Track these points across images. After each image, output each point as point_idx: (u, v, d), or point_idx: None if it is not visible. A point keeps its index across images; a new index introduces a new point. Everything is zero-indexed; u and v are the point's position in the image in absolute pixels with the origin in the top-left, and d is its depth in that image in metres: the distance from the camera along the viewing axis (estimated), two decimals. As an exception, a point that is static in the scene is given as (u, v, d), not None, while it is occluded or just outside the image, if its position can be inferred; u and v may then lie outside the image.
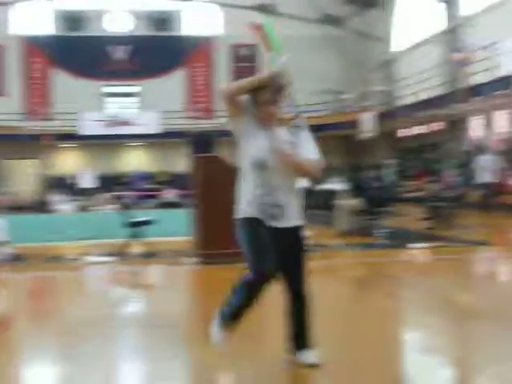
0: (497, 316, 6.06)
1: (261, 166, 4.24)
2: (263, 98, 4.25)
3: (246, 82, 4.30)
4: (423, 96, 25.57)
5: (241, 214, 4.35)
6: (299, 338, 4.51)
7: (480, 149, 21.09)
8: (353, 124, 28.80)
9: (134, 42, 34.41)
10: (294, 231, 4.38)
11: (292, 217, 4.35)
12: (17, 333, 6.22)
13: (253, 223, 4.28)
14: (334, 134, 31.59)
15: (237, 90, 4.26)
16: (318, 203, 18.72)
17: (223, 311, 4.47)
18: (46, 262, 10.70)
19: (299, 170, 4.26)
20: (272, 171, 4.23)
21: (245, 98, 4.31)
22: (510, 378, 4.24)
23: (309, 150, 4.29)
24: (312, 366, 4.43)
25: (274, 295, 4.68)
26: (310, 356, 4.48)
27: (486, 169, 17.03)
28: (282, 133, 4.32)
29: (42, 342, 5.72)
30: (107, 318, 6.48)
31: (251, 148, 4.28)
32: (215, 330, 4.50)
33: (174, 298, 7.79)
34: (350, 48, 32.43)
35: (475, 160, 18.46)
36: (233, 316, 4.41)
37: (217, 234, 9.37)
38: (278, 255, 4.27)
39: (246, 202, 4.33)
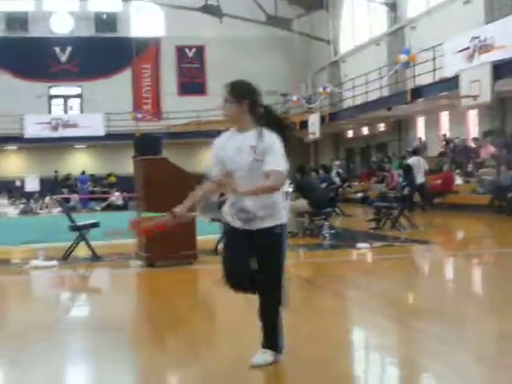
0: (438, 314, 6.17)
1: (229, 175, 4.36)
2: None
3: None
4: (369, 97, 25.89)
5: (223, 219, 4.55)
6: (263, 336, 4.54)
7: (417, 150, 21.46)
8: (299, 126, 28.98)
9: (77, 44, 34.01)
10: (266, 233, 4.37)
11: (263, 219, 4.36)
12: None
13: (228, 231, 4.48)
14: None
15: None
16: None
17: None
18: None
19: (266, 192, 4.30)
20: (240, 179, 4.29)
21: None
22: (451, 376, 4.32)
23: (270, 160, 4.25)
24: (255, 366, 4.44)
25: (216, 300, 4.67)
26: (258, 357, 4.50)
27: (417, 170, 17.33)
28: (249, 137, 4.36)
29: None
30: (54, 322, 6.38)
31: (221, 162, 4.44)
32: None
33: (119, 301, 7.71)
34: (296, 50, 32.63)
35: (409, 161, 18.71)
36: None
37: (161, 237, 9.30)
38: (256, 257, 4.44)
39: (226, 208, 4.49)
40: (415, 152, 19.80)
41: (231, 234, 4.48)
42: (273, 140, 4.30)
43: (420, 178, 16.93)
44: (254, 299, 4.56)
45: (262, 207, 4.34)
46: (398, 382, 4.45)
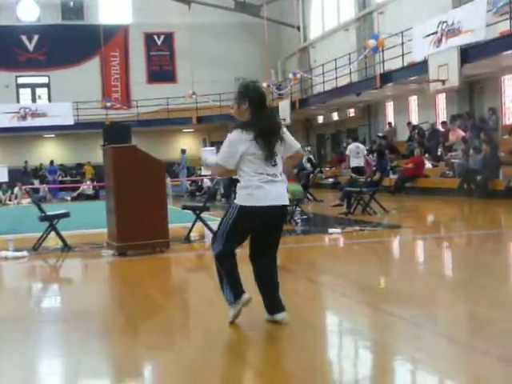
0: (411, 297, 6.22)
1: None
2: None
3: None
4: (339, 83, 25.94)
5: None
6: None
7: (357, 137, 21.52)
8: (270, 112, 28.92)
9: (44, 32, 33.58)
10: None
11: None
12: None
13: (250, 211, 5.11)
14: (252, 122, 31.70)
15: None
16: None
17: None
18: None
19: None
20: None
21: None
22: (424, 359, 4.35)
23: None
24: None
25: (189, 288, 4.65)
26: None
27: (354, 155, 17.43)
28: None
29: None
30: (25, 314, 6.34)
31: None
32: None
33: (91, 291, 7.66)
34: (265, 36, 32.56)
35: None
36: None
37: (132, 226, 9.27)
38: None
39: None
40: (355, 138, 19.74)
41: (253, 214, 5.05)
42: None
43: (358, 163, 17.10)
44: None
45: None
46: (371, 365, 4.48)
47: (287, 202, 5.17)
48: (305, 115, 30.85)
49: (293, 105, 28.13)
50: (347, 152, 17.48)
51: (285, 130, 5.14)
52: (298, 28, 32.81)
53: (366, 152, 19.47)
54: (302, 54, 32.92)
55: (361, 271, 7.94)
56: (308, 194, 18.48)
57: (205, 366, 4.37)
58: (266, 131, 4.97)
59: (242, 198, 5.08)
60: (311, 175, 22.62)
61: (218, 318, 5.34)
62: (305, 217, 13.52)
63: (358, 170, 16.53)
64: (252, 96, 5.10)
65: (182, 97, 31.03)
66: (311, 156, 25.41)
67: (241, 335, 5.11)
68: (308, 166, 22.66)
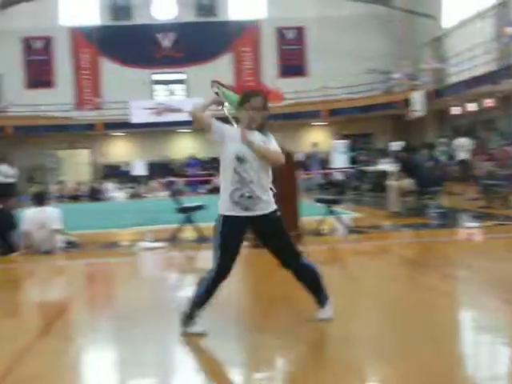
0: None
1: (241, 160, 4.95)
2: (254, 105, 5.02)
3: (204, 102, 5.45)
4: (475, 73, 25.05)
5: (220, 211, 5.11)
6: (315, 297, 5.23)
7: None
8: (402, 103, 28.42)
9: (179, 29, 34.49)
10: (269, 217, 5.03)
11: (264, 205, 5.00)
12: (74, 318, 6.33)
13: (228, 221, 5.07)
14: (383, 114, 31.26)
15: (201, 109, 5.28)
16: (370, 185, 18.59)
17: None
18: (101, 248, 10.87)
19: (270, 158, 4.97)
20: (249, 165, 4.94)
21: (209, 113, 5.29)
22: None
23: (275, 146, 5.02)
24: (323, 320, 5.13)
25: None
26: (320, 313, 5.19)
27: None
28: (256, 135, 5.03)
29: (98, 326, 5.82)
30: (161, 303, 6.54)
31: (232, 147, 5.02)
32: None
33: (229, 281, 7.78)
34: (397, 26, 31.97)
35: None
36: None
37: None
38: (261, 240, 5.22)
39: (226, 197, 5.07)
40: (463, 134, 18.89)
41: (232, 223, 5.02)
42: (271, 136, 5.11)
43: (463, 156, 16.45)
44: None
45: (263, 195, 5.01)
46: (508, 363, 4.31)
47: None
48: (439, 106, 30.00)
49: (427, 95, 27.44)
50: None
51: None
52: (432, 16, 31.91)
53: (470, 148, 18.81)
54: (435, 43, 32.03)
55: (501, 267, 7.63)
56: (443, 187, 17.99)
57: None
58: None
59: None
60: (446, 167, 21.96)
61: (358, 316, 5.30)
62: (440, 210, 13.17)
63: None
64: (250, 100, 5.17)
65: (313, 90, 31.02)
66: (445, 148, 24.72)
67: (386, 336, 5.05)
68: (443, 158, 22.05)
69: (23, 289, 8.45)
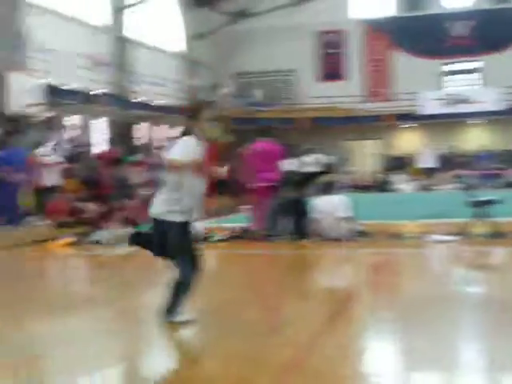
0: None
1: None
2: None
3: None
4: None
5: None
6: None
7: None
8: None
9: (475, 17, 33.22)
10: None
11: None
12: (360, 305, 6.44)
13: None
14: None
15: None
16: None
17: None
18: (388, 238, 10.87)
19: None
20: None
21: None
22: None
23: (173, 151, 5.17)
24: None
25: None
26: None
27: None
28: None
29: (384, 314, 5.84)
30: (443, 296, 6.40)
31: None
32: None
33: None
34: None
35: None
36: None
37: None
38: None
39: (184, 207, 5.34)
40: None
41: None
42: None
43: None
44: None
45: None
46: None
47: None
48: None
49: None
50: None
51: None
52: None
53: None
54: None
55: None
56: None
57: None
58: None
59: None
60: None
61: None
62: None
63: None
64: None
65: None
66: None
67: None
68: None
69: (313, 273, 8.77)
